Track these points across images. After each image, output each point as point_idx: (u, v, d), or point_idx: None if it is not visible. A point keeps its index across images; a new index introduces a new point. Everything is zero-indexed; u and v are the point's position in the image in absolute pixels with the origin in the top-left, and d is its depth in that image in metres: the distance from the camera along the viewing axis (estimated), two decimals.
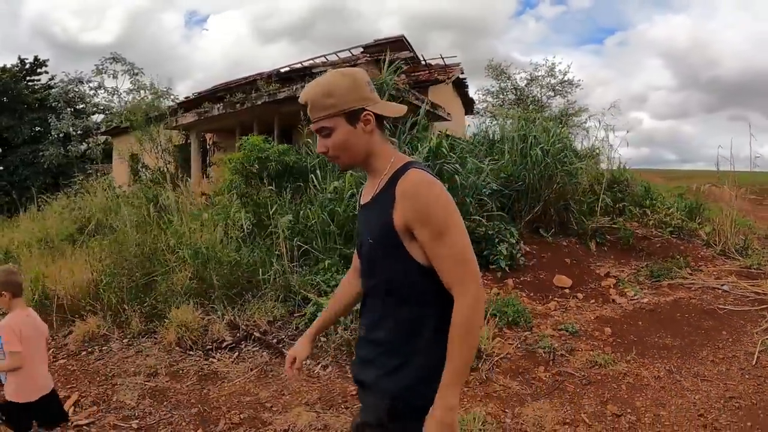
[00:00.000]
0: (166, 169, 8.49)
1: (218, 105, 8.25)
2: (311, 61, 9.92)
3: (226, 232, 4.84)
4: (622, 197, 6.96)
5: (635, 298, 4.22)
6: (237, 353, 3.32)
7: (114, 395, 2.78)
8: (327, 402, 2.65)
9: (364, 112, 1.10)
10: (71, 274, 4.49)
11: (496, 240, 4.86)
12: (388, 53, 6.78)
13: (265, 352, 3.32)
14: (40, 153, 15.06)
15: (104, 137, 15.11)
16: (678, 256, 5.07)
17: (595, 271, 4.95)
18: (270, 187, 5.67)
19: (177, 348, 3.41)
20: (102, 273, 4.39)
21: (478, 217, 5.01)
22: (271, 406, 2.61)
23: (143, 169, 9.01)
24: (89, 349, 3.51)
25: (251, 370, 3.09)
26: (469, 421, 2.32)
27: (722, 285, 4.22)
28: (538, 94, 15.29)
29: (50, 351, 3.34)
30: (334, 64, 9.17)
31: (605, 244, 5.75)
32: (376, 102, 1.13)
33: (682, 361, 3.01)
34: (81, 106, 16.95)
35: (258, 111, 7.90)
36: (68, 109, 15.86)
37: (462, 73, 10.07)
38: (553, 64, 15.26)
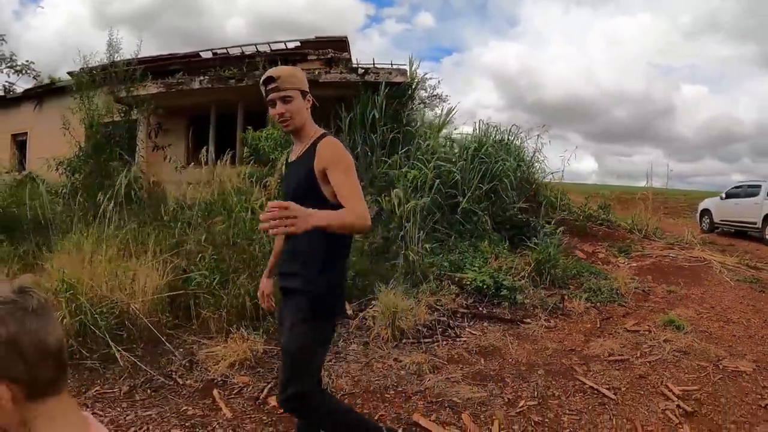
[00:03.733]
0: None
1: (200, 78, 8.11)
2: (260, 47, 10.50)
3: None
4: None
5: (627, 263, 7.19)
6: (481, 330, 4.30)
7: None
8: (590, 332, 4.46)
9: (308, 94, 1.84)
10: (135, 282, 3.81)
11: (534, 226, 7.20)
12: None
13: (485, 323, 4.47)
14: None
15: None
16: (621, 239, 8.45)
17: (583, 249, 7.81)
18: None
19: (408, 340, 3.89)
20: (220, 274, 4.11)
21: (523, 206, 7.26)
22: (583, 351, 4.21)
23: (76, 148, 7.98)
24: None
25: (506, 335, 4.16)
26: (672, 319, 4.54)
27: (669, 254, 7.64)
28: None
29: (243, 398, 2.94)
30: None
31: (567, 232, 8.77)
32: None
33: (701, 288, 5.95)
34: None
35: (248, 91, 8.24)
36: None
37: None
38: (424, 78, 18.75)
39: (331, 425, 1.90)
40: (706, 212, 12.59)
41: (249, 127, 8.22)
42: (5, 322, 0.77)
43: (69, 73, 11.87)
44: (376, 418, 2.83)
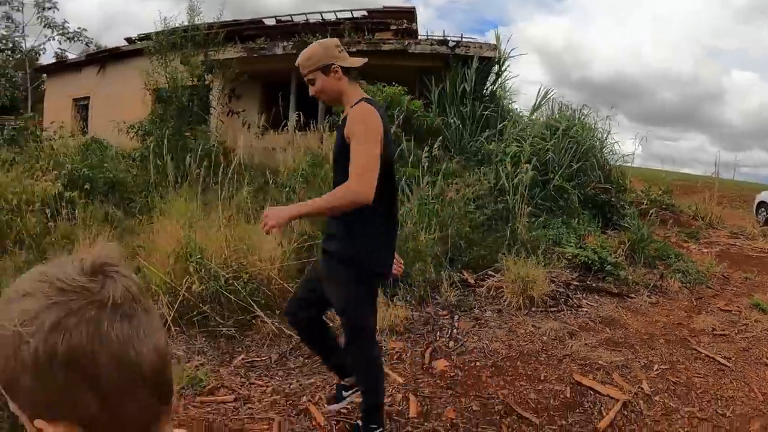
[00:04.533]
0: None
1: (284, 43, 8.65)
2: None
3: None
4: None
5: (698, 249, 7.93)
6: (596, 301, 5.10)
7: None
8: (689, 310, 5.27)
9: (333, 66, 1.94)
10: (263, 247, 3.86)
11: (616, 206, 7.91)
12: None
13: (596, 296, 5.25)
14: None
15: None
16: (687, 225, 9.17)
17: (654, 232, 8.53)
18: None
19: (537, 308, 4.62)
20: None
21: (605, 186, 7.96)
22: (688, 324, 5.03)
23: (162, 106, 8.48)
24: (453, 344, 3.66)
25: (618, 308, 5.00)
26: (758, 302, 5.33)
27: (735, 243, 8.37)
28: None
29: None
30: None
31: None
32: (344, 59, 1.98)
33: None
34: None
35: None
36: None
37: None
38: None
39: (364, 371, 2.21)
40: (762, 204, 13.12)
41: None
42: (67, 325, 0.47)
43: (127, 39, 12.37)
44: (541, 377, 3.40)
